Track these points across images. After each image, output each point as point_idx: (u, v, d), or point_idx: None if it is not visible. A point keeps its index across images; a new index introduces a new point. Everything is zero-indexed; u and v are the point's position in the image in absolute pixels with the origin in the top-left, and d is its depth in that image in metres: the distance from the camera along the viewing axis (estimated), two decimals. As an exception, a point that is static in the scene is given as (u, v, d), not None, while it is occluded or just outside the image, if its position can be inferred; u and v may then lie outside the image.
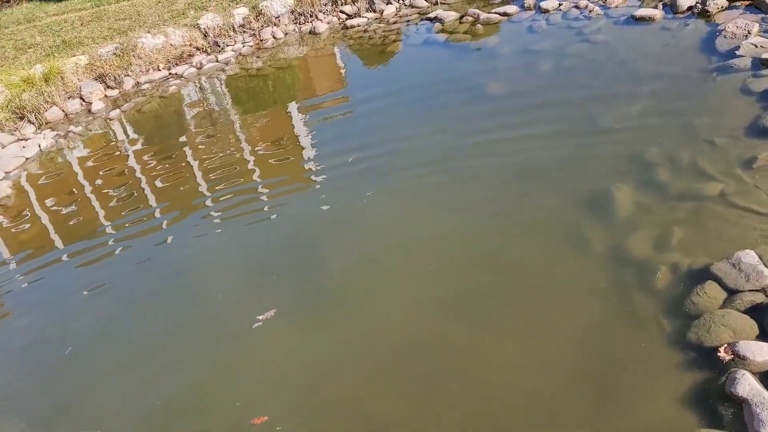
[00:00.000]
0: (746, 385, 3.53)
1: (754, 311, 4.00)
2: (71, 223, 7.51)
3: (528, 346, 4.44)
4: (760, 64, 6.48)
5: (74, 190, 8.32)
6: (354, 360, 4.68)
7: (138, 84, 11.20)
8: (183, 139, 9.06)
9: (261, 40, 11.83)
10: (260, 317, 5.17)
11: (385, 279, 5.38)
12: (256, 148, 8.29)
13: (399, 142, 7.40)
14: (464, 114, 7.63)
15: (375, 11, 11.83)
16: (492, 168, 6.42)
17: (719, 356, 3.80)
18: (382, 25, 11.35)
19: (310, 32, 11.80)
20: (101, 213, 7.63)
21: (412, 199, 6.30)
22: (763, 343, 3.74)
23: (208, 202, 7.21)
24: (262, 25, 11.98)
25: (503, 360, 4.39)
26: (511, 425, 3.96)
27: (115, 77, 11.12)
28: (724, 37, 7.21)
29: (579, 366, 4.20)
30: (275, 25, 12.02)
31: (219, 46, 11.77)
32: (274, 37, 11.83)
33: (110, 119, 10.24)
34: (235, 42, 11.86)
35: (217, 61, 11.51)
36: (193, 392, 4.74)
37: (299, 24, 12.04)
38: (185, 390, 4.77)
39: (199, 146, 8.65)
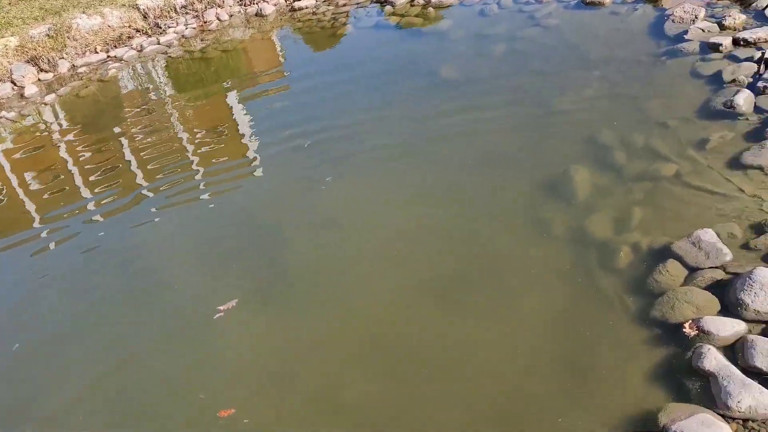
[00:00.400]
0: (712, 359, 3.61)
1: (715, 288, 4.10)
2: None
3: (497, 330, 4.43)
4: (708, 48, 6.66)
5: (5, 180, 7.90)
6: (322, 348, 4.58)
7: (74, 67, 10.74)
8: (124, 124, 8.73)
9: (205, 22, 11.49)
10: (221, 307, 5.01)
11: (350, 265, 5.29)
12: (201, 134, 8.05)
13: (353, 127, 7.31)
14: (418, 99, 7.59)
15: (323, -7, 11.66)
16: (450, 152, 6.40)
17: (684, 332, 3.88)
18: (331, 7, 11.18)
19: (256, 14, 11.53)
20: (36, 203, 7.29)
21: (371, 184, 6.22)
22: (725, 318, 3.83)
23: (155, 190, 6.97)
24: (206, 6, 11.65)
25: (472, 345, 4.37)
26: (483, 408, 3.95)
27: (49, 60, 10.62)
28: (672, 21, 7.38)
29: (549, 347, 4.22)
30: (219, 6, 11.70)
31: (160, 27, 11.38)
32: (218, 18, 11.51)
33: (45, 104, 9.78)
34: (178, 24, 11.50)
35: (158, 43, 11.14)
36: (154, 387, 4.56)
37: (245, 5, 11.75)
38: (146, 385, 4.58)
39: (142, 132, 8.35)
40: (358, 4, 11.06)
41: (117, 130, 8.54)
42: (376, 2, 10.86)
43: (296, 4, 11.43)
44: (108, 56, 10.95)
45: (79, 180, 7.48)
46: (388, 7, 10.47)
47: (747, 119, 5.49)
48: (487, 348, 4.33)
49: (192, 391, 4.44)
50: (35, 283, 5.87)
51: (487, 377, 4.14)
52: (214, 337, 4.83)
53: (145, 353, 4.86)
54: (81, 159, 7.95)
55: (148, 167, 7.42)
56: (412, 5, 10.29)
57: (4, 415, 4.59)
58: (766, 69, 5.93)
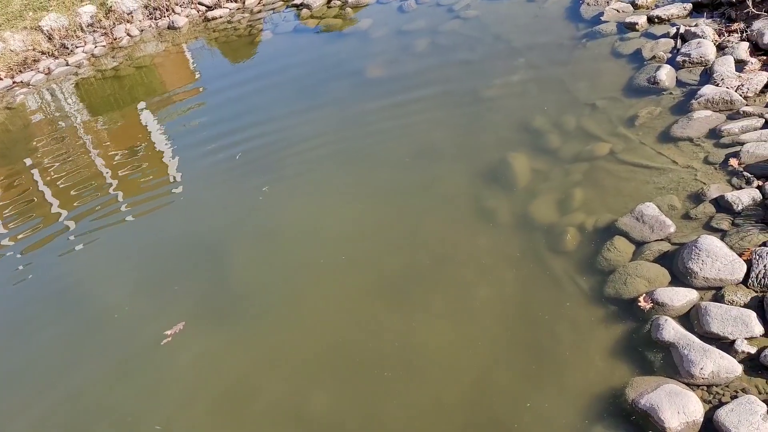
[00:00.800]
0: (670, 329, 3.67)
1: (662, 259, 4.17)
2: None
3: (455, 323, 4.40)
4: (624, 27, 6.83)
5: None
6: (279, 362, 4.44)
7: (-23, 96, 10.11)
8: (37, 151, 8.27)
9: (114, 39, 11.03)
10: (169, 332, 4.79)
11: (297, 274, 5.15)
12: (119, 156, 7.72)
13: (283, 133, 7.16)
14: (347, 99, 7.51)
15: (237, 1, 11.37)
16: (386, 149, 6.35)
17: (640, 306, 3.93)
18: (246, 15, 10.94)
19: (168, 27, 11.15)
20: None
21: (309, 188, 6.10)
22: (677, 288, 3.90)
23: (78, 217, 6.65)
24: (114, 23, 11.18)
25: (433, 341, 4.32)
26: (451, 403, 3.90)
27: (-52, 90, 9.96)
28: (588, 4, 7.54)
29: (508, 335, 4.21)
30: (128, 21, 11.26)
31: (67, 48, 10.87)
32: (128, 34, 11.08)
33: (-50, 137, 9.16)
34: (86, 43, 11.00)
35: (67, 64, 10.63)
36: (105, 422, 4.30)
37: (155, 19, 11.35)
38: (95, 421, 4.32)
39: (56, 158, 7.95)
40: (273, 10, 10.86)
41: (29, 159, 8.10)
42: (291, 6, 10.69)
43: (209, 14, 11.12)
44: (14, 82, 10.37)
45: (20, 215, 7.07)
46: (304, 11, 10.31)
47: (671, 93, 5.65)
48: (447, 343, 4.29)
49: (147, 423, 4.20)
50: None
51: (451, 372, 4.10)
52: (164, 363, 4.61)
53: (92, 387, 4.59)
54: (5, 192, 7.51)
55: (66, 194, 7.10)
56: (329, 7, 10.18)
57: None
58: (683, 44, 6.13)
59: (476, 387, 3.97)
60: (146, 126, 8.37)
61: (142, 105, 9.00)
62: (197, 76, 9.53)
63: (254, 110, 7.86)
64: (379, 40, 8.74)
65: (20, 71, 10.53)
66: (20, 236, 6.60)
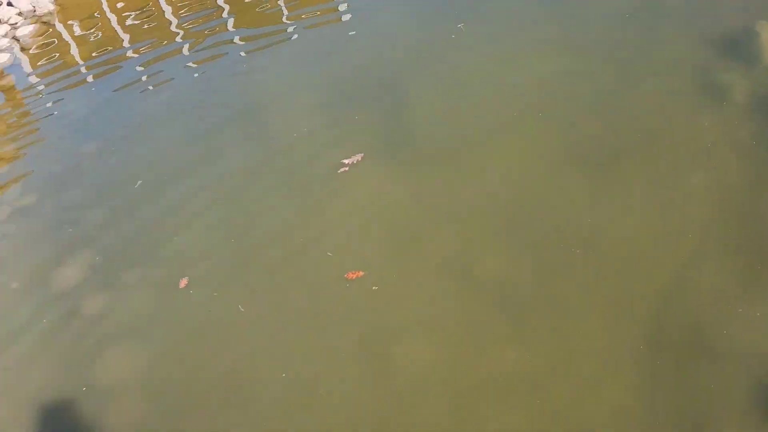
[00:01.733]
0: None
1: None
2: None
3: (659, 207, 3.85)
4: None
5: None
6: (455, 213, 4.15)
7: None
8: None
9: None
10: (346, 161, 4.63)
11: (486, 125, 4.72)
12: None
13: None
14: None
15: None
16: (604, -1, 5.55)
17: None
18: None
19: None
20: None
21: (510, 34, 5.51)
22: None
23: (250, 35, 6.55)
24: None
25: (630, 223, 3.81)
26: (643, 293, 3.45)
27: None
28: None
29: (724, 230, 3.63)
30: None
31: None
32: None
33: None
34: None
35: None
36: (280, 239, 4.31)
37: None
38: (272, 237, 4.35)
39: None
40: None
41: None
42: None
43: None
44: None
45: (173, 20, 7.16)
46: None
47: None
48: (647, 228, 3.77)
49: (317, 248, 4.15)
50: (150, 123, 5.70)
51: (647, 261, 3.62)
52: (339, 192, 4.49)
53: (268, 200, 4.60)
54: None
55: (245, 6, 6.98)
56: None
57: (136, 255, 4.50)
58: None
59: (676, 280, 3.48)
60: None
61: None
62: None
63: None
64: None
65: None
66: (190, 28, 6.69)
